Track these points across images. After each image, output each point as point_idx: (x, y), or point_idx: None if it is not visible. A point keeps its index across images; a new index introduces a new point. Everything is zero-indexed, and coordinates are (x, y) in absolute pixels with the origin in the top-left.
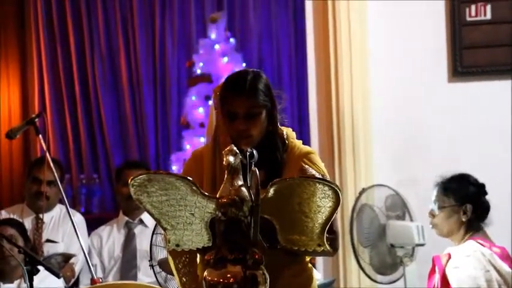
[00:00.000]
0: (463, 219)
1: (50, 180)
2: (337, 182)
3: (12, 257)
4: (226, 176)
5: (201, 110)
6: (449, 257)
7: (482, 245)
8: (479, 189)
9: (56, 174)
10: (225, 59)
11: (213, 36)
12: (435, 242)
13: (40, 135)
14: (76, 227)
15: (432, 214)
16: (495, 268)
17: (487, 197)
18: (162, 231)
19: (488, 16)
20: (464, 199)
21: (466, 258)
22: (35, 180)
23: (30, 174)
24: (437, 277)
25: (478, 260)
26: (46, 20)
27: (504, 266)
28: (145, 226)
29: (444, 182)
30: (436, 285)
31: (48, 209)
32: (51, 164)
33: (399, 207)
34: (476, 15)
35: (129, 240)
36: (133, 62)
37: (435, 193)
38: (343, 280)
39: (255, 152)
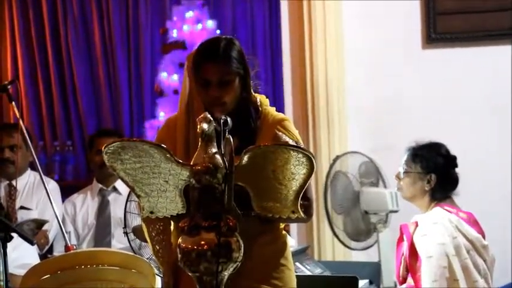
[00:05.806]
0: (426, 188)
1: (11, 145)
2: (311, 149)
3: None
4: (200, 143)
5: (175, 77)
6: (417, 225)
7: (449, 211)
8: (449, 161)
9: (26, 139)
10: (199, 25)
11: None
12: (408, 209)
13: (13, 103)
14: (50, 194)
15: (398, 177)
16: (462, 234)
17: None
18: (136, 199)
19: None
20: (431, 168)
21: (434, 226)
22: None
23: None
24: (405, 245)
25: (445, 227)
26: None
27: (471, 231)
28: (119, 193)
29: (415, 148)
30: (404, 254)
31: (18, 174)
32: (25, 131)
33: (373, 174)
34: None
35: (103, 208)
36: (107, 29)
37: (405, 157)
38: (317, 247)
39: (229, 119)
